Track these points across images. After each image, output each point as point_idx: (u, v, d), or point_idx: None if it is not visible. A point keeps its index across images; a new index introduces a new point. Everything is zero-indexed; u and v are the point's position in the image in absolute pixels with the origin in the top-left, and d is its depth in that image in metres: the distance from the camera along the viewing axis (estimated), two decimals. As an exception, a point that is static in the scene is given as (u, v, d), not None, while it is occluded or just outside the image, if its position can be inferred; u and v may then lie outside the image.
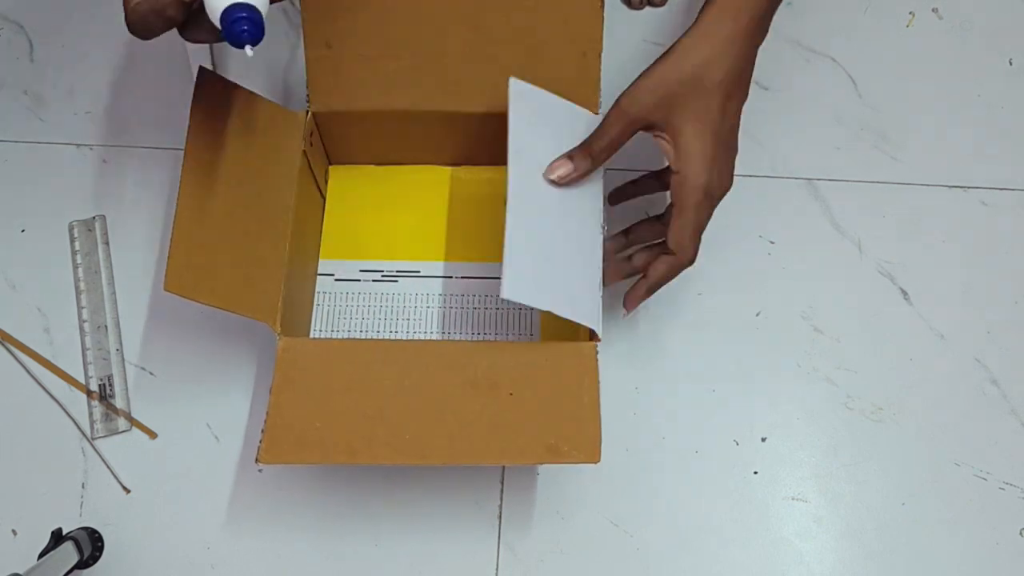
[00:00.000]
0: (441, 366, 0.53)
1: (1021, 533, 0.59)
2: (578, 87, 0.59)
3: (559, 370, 0.53)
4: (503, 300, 0.53)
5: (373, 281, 0.64)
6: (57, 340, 0.64)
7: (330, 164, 0.67)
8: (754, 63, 0.53)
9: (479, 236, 0.65)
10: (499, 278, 0.52)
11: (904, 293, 0.65)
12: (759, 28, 0.52)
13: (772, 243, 0.66)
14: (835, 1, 0.73)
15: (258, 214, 0.56)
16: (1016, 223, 0.67)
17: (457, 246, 0.64)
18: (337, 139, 0.64)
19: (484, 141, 0.63)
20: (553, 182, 0.54)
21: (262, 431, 0.51)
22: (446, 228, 0.65)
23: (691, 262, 0.54)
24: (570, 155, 0.54)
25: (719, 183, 0.52)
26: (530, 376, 0.53)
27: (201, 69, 0.55)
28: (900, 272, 0.65)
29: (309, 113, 0.60)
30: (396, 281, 0.64)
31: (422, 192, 0.66)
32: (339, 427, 0.52)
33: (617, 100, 0.52)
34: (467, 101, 0.60)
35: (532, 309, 0.62)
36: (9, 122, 0.70)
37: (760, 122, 0.69)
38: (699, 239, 0.53)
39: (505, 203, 0.53)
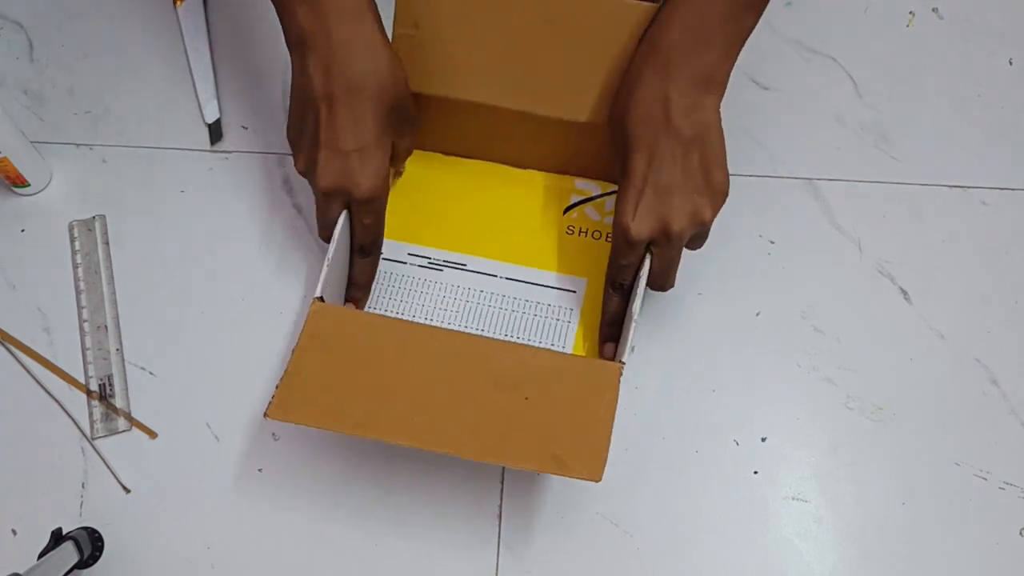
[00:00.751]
0: (466, 358, 0.53)
1: (1021, 533, 0.59)
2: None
3: (580, 384, 0.53)
4: (541, 307, 0.58)
5: (419, 267, 0.64)
6: (57, 340, 0.64)
7: None
8: (699, 107, 0.54)
9: (532, 242, 0.64)
10: (543, 285, 0.58)
11: (904, 293, 0.65)
12: (699, 78, 0.54)
13: (772, 243, 0.66)
14: (835, 1, 0.74)
15: None
16: (1016, 223, 0.67)
17: (508, 247, 0.64)
18: None
19: (557, 148, 0.63)
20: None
21: (276, 386, 0.51)
22: (501, 227, 0.65)
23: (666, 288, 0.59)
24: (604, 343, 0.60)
25: (677, 226, 0.54)
26: (551, 384, 0.53)
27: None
28: (900, 272, 0.65)
29: None
30: (441, 270, 0.64)
31: (485, 188, 0.66)
32: (352, 398, 0.52)
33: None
34: (546, 105, 0.60)
35: (570, 322, 0.62)
36: (9, 122, 0.70)
37: (760, 122, 0.69)
38: (620, 273, 0.57)
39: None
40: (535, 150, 0.64)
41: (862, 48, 0.72)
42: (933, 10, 0.73)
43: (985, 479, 0.60)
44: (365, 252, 0.59)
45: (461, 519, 0.60)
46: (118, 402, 0.62)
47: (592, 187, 0.66)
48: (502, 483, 0.60)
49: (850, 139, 0.69)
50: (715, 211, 0.55)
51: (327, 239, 0.57)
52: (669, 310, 0.64)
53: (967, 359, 0.63)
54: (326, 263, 0.56)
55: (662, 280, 0.59)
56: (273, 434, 0.62)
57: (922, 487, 0.60)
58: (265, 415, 0.50)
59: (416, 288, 0.63)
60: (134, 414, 0.62)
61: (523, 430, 0.51)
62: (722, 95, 0.55)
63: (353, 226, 0.58)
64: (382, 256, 0.63)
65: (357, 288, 0.61)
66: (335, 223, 0.57)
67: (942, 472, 0.60)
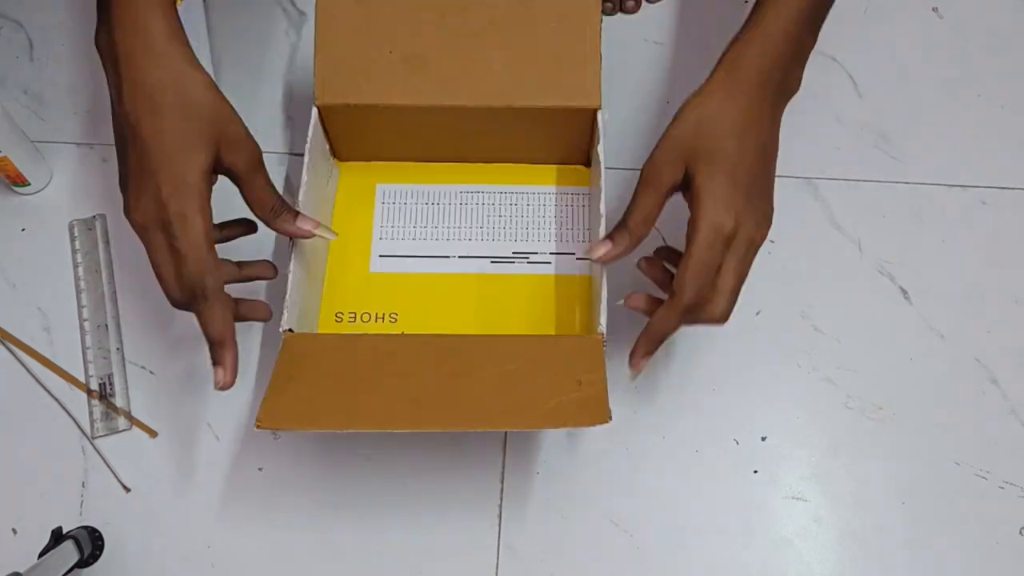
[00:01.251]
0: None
1: (1021, 532, 0.59)
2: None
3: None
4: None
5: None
6: (57, 339, 0.64)
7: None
8: (774, 111, 0.54)
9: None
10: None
11: (904, 292, 0.65)
12: (769, 82, 0.52)
13: (772, 242, 0.66)
14: (836, 1, 0.73)
15: None
16: (1016, 222, 0.67)
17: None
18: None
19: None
20: (599, 260, 0.54)
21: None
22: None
23: (688, 307, 0.51)
24: (610, 236, 0.54)
25: (736, 224, 0.50)
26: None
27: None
28: (900, 271, 0.65)
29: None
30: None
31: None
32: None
33: (640, 172, 0.52)
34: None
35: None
36: (9, 121, 0.70)
37: (760, 122, 0.69)
38: (703, 281, 0.50)
39: None
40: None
41: (862, 48, 0.72)
42: (933, 9, 0.73)
43: (985, 479, 0.60)
44: (196, 294, 0.50)
45: (461, 519, 0.60)
46: (118, 401, 0.62)
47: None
48: (502, 483, 0.60)
49: (850, 139, 0.69)
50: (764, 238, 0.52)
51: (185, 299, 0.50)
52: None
53: (967, 359, 0.63)
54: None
55: (690, 290, 0.51)
56: (273, 434, 0.62)
57: (922, 486, 0.60)
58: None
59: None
60: (134, 413, 0.62)
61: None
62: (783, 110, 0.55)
63: (175, 263, 0.50)
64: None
65: (213, 347, 0.51)
66: (168, 276, 0.50)
67: (942, 472, 0.60)
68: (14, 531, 0.60)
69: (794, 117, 0.70)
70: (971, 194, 0.68)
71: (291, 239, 0.57)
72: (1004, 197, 0.68)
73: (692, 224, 0.50)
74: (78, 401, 0.63)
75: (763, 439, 0.61)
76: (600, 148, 0.59)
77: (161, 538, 0.59)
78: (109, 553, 0.58)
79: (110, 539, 0.59)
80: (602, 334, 0.54)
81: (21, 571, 0.50)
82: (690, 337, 0.63)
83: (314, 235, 0.56)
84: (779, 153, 0.68)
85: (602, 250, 0.53)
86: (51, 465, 0.61)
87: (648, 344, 0.53)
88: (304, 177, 0.58)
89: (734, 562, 0.59)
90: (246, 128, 0.52)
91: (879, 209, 0.67)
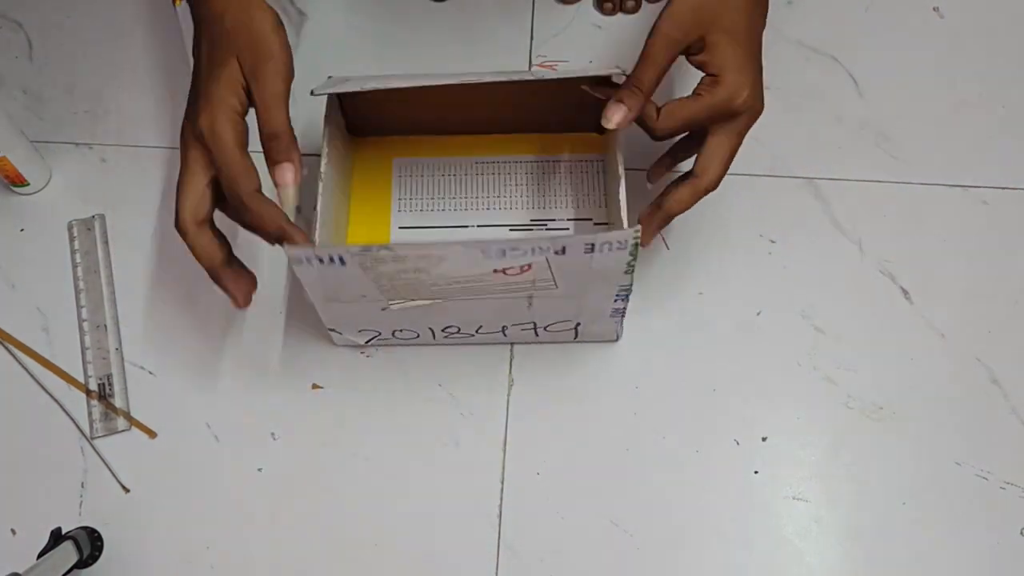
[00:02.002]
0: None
1: (1022, 533, 0.59)
2: None
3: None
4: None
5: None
6: (56, 339, 0.64)
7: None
8: None
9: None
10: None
11: (905, 292, 0.65)
12: None
13: (772, 242, 0.66)
14: (836, 0, 0.73)
15: None
16: (1017, 222, 0.67)
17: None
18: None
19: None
20: (612, 127, 0.53)
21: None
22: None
23: (714, 187, 0.54)
24: (619, 97, 0.52)
25: (752, 102, 0.52)
26: None
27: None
28: (901, 271, 0.65)
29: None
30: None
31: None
32: None
33: (656, 26, 0.52)
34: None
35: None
36: (8, 121, 0.70)
37: (761, 121, 0.69)
38: (729, 164, 0.53)
39: None
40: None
41: (863, 47, 0.72)
42: (934, 9, 0.73)
43: (986, 479, 0.60)
44: (235, 204, 0.51)
45: (461, 519, 0.60)
46: (117, 402, 0.62)
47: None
48: (502, 483, 0.60)
49: (851, 138, 0.69)
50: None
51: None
52: (669, 309, 0.64)
53: (968, 358, 0.63)
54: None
55: (719, 172, 0.54)
56: (273, 434, 0.62)
57: (923, 487, 0.60)
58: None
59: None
60: (133, 414, 0.62)
61: None
62: None
63: (218, 176, 0.51)
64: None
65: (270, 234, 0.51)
66: (187, 196, 0.52)
67: (943, 472, 0.60)
68: (13, 531, 0.60)
69: (794, 117, 0.70)
70: (971, 194, 0.68)
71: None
72: (1004, 197, 0.68)
73: (722, 96, 0.52)
74: (77, 401, 0.63)
75: (763, 439, 0.61)
76: None
77: (161, 538, 0.59)
78: (108, 554, 0.58)
79: (109, 539, 0.58)
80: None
81: (20, 572, 0.50)
82: (690, 336, 0.63)
83: (283, 189, 0.51)
84: (778, 154, 0.69)
85: (617, 116, 0.52)
86: (50, 465, 0.61)
87: (661, 222, 0.55)
88: (325, 150, 0.58)
89: (734, 562, 0.59)
90: (283, 54, 0.52)
91: (880, 209, 0.67)
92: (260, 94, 0.51)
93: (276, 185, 0.51)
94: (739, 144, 0.54)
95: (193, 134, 0.51)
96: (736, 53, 0.52)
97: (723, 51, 0.52)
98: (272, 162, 0.51)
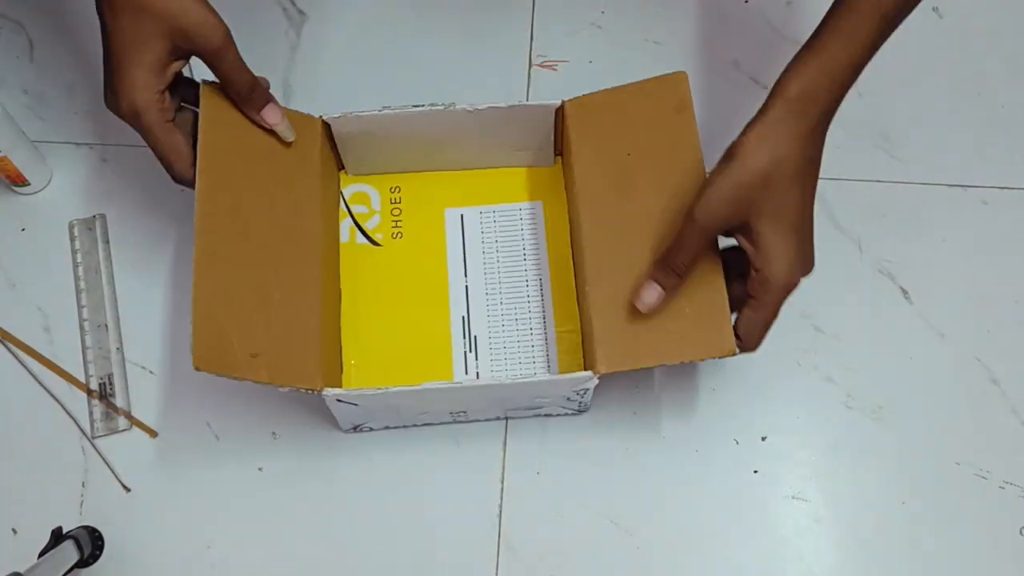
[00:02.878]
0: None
1: (1021, 532, 0.59)
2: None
3: None
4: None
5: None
6: (57, 339, 0.64)
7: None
8: (823, 145, 0.50)
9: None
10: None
11: (904, 292, 0.65)
12: (828, 119, 0.50)
13: (772, 242, 0.66)
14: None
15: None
16: (1016, 222, 0.67)
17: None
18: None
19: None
20: (641, 310, 0.52)
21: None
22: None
23: (753, 350, 0.53)
24: (654, 277, 0.51)
25: (800, 274, 0.50)
26: None
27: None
28: (900, 271, 0.65)
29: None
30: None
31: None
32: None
33: (690, 213, 0.49)
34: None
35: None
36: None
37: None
38: (768, 332, 0.52)
39: None
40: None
41: (862, 48, 0.72)
42: (933, 9, 0.73)
43: (985, 478, 0.60)
44: (179, 182, 0.54)
45: (461, 519, 0.60)
46: (118, 401, 0.62)
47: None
48: (502, 483, 0.60)
49: (850, 138, 0.69)
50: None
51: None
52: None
53: (967, 358, 0.63)
54: None
55: (759, 340, 0.52)
56: (273, 433, 0.62)
57: (922, 486, 0.60)
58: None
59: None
60: (134, 413, 0.62)
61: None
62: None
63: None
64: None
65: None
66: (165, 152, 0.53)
67: (942, 471, 0.60)
68: (14, 531, 0.60)
69: (794, 117, 0.70)
70: (971, 194, 0.68)
71: None
72: (1004, 197, 0.68)
73: (764, 283, 0.49)
74: (78, 401, 0.63)
75: (763, 439, 0.61)
76: None
77: (161, 538, 0.59)
78: (109, 553, 0.58)
79: (110, 539, 0.59)
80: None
81: (21, 571, 0.50)
82: (690, 337, 0.63)
83: (278, 127, 0.56)
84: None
85: (653, 297, 0.51)
86: (51, 465, 0.61)
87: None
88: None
89: (734, 562, 0.59)
90: (207, 12, 0.51)
91: (879, 209, 0.67)
92: (220, 64, 0.52)
93: (269, 125, 0.55)
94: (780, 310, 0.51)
95: (122, 112, 0.52)
96: (782, 242, 0.48)
97: (766, 241, 0.48)
98: (256, 110, 0.55)
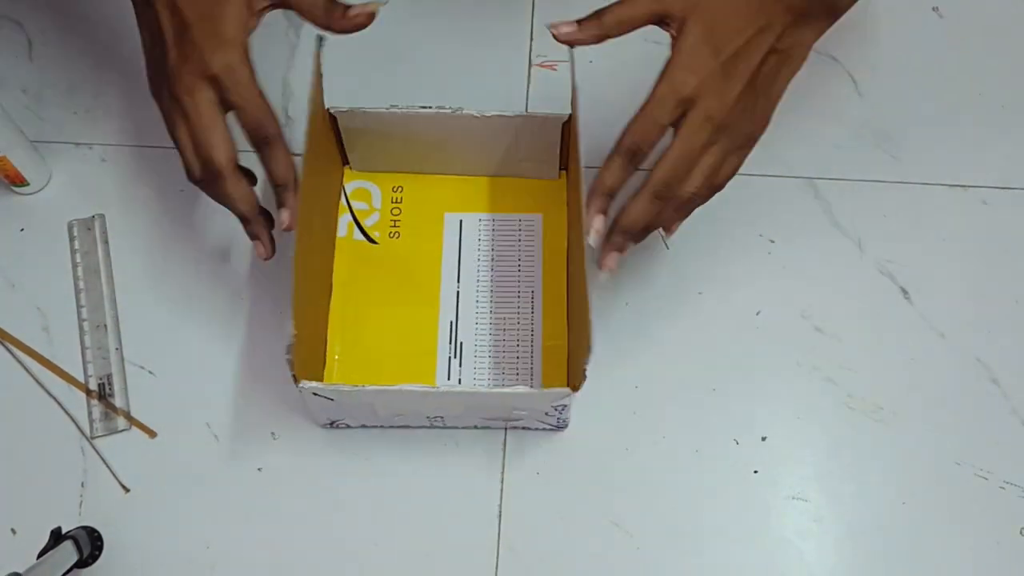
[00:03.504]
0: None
1: (1022, 532, 0.59)
2: None
3: None
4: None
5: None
6: (56, 339, 0.64)
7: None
8: (795, 16, 0.49)
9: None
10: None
11: (904, 292, 0.65)
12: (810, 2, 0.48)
13: (772, 242, 0.66)
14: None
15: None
16: (1017, 222, 0.67)
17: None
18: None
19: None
20: (555, 37, 0.49)
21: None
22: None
23: (657, 185, 0.48)
24: (579, 20, 0.49)
25: (696, 90, 0.47)
26: None
27: None
28: (901, 271, 0.65)
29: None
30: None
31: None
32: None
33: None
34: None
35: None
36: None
37: (760, 121, 0.69)
38: (650, 137, 0.48)
39: None
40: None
41: (862, 47, 0.72)
42: (933, 9, 0.73)
43: (986, 479, 0.60)
44: (258, 143, 0.52)
45: (461, 519, 0.60)
46: (117, 401, 0.62)
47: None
48: (502, 483, 0.60)
49: (850, 138, 0.69)
50: (750, 148, 0.50)
51: (221, 166, 0.51)
52: (668, 309, 0.64)
53: (968, 358, 0.63)
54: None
55: (672, 191, 0.49)
56: (272, 433, 0.62)
57: (922, 486, 0.60)
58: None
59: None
60: (134, 413, 0.62)
61: None
62: (823, 33, 0.50)
63: (238, 118, 0.51)
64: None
65: (279, 189, 0.53)
66: (218, 136, 0.51)
67: (942, 471, 0.60)
68: (13, 531, 0.60)
69: (794, 117, 0.70)
70: (971, 194, 0.68)
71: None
72: (1004, 197, 0.68)
73: (662, 77, 0.48)
74: (77, 401, 0.63)
75: (763, 439, 0.61)
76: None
77: (161, 538, 0.59)
78: (108, 553, 0.58)
79: (109, 539, 0.58)
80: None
81: (20, 571, 0.50)
82: (690, 336, 0.63)
83: (355, 27, 0.52)
84: (777, 154, 0.69)
85: (565, 27, 0.49)
86: (50, 465, 0.61)
87: (619, 237, 0.50)
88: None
89: (734, 562, 0.59)
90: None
91: (879, 208, 0.67)
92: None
93: (348, 30, 0.52)
94: (722, 154, 0.49)
95: (201, 77, 0.49)
96: (695, 45, 0.47)
97: (684, 37, 0.47)
98: (340, 19, 0.52)
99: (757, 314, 0.64)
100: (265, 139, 0.51)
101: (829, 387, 0.62)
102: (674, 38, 0.48)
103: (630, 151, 0.48)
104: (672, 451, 0.61)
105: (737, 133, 0.49)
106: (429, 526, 0.59)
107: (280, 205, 0.53)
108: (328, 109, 0.60)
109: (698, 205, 0.52)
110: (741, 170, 0.66)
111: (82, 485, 0.61)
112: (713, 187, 0.50)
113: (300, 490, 0.60)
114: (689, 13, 0.47)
